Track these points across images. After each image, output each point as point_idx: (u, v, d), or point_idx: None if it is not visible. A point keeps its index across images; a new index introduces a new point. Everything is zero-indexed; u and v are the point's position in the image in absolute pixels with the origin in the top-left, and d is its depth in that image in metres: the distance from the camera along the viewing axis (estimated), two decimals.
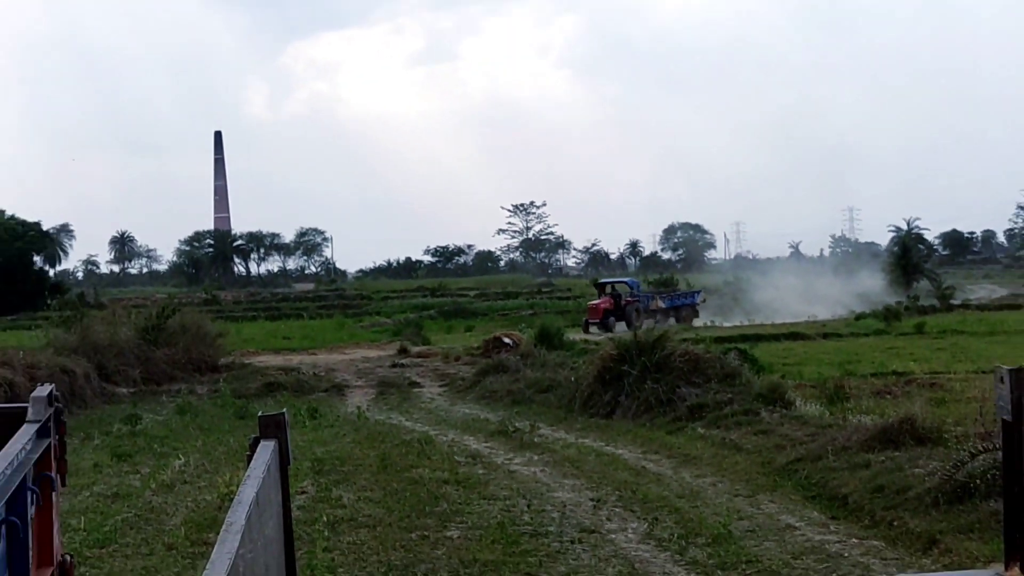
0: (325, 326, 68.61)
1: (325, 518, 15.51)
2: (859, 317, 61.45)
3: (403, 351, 45.96)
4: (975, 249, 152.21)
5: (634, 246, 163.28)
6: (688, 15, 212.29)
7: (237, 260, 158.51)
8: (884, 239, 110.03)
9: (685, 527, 14.84)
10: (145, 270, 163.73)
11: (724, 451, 20.60)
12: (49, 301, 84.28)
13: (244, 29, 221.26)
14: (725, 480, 18.21)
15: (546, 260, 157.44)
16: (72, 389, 29.65)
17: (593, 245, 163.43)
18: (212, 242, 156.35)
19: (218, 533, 12.90)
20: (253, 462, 5.65)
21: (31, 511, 5.13)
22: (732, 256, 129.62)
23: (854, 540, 14.13)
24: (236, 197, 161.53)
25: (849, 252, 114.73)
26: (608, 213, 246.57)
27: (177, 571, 13.17)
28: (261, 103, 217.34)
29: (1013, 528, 6.18)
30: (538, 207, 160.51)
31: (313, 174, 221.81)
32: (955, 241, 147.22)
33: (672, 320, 53.13)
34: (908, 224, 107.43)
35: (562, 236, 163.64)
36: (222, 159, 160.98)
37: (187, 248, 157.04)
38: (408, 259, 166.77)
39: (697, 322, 53.24)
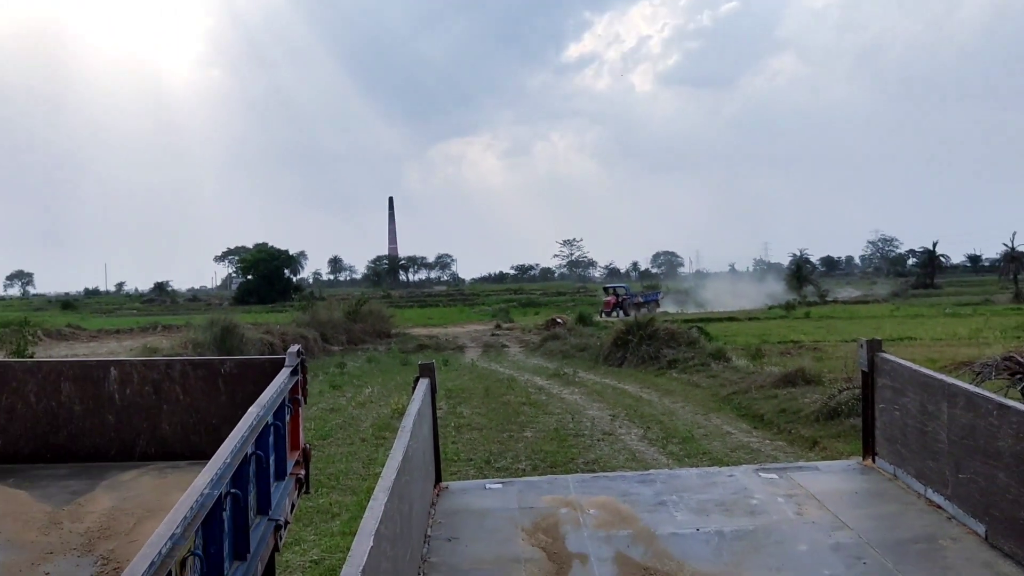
0: (452, 312, 69.34)
1: (453, 424, 16.43)
2: (770, 308, 61.41)
3: (498, 326, 46.89)
4: (841, 267, 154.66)
5: (635, 264, 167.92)
6: (668, 129, 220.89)
7: (401, 272, 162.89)
8: (786, 260, 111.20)
9: (666, 432, 15.61)
10: (348, 278, 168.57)
11: (689, 387, 21.28)
12: (292, 296, 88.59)
13: (408, 135, 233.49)
14: (689, 405, 18.81)
15: (582, 273, 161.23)
16: (306, 347, 30.79)
17: (610, 264, 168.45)
18: (387, 261, 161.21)
19: (392, 433, 14.67)
20: (415, 391, 5.44)
21: (287, 418, 5.21)
22: (694, 271, 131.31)
23: (767, 441, 14.81)
24: (401, 234, 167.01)
25: (764, 269, 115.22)
26: (619, 244, 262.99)
27: (367, 454, 14.28)
28: (416, 179, 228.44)
29: (867, 435, 5.90)
30: (578, 241, 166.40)
31: (445, 220, 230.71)
32: (829, 262, 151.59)
33: (645, 310, 54.84)
34: (800, 252, 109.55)
35: (592, 258, 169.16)
36: (392, 212, 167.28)
37: (372, 265, 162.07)
38: (501, 271, 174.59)
39: (660, 310, 54.38)
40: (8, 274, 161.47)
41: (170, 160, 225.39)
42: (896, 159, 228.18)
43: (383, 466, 11.96)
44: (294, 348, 5.78)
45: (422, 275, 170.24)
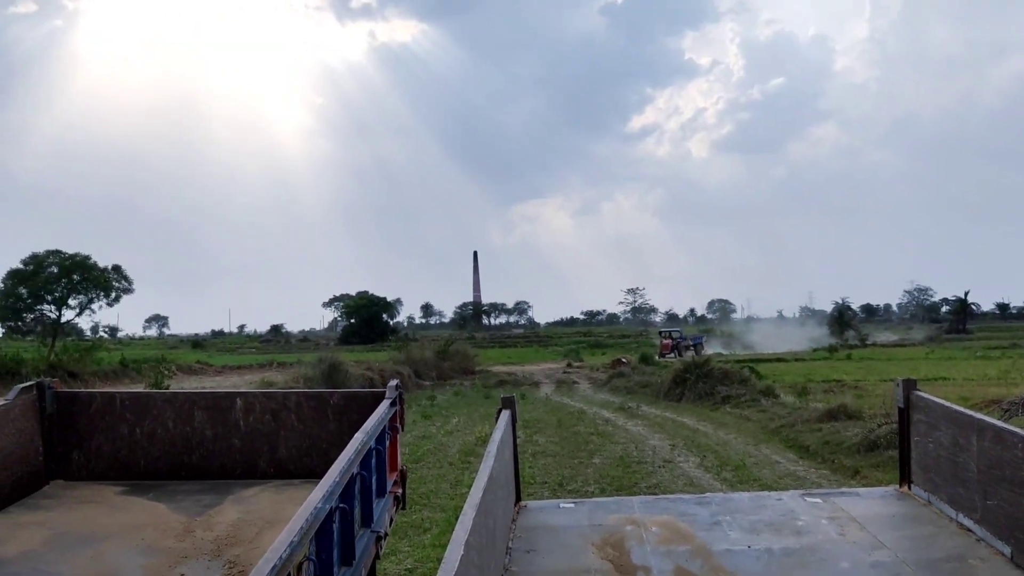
0: (528, 352, 69.23)
1: (530, 451, 16.36)
2: (815, 350, 59.55)
3: (569, 365, 46.78)
4: (879, 314, 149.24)
5: (692, 311, 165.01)
6: (722, 189, 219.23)
7: (484, 316, 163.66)
8: (829, 307, 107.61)
9: (720, 461, 15.39)
10: (438, 321, 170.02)
11: (741, 421, 20.94)
12: (390, 337, 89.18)
13: (491, 196, 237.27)
14: (741, 436, 18.50)
15: (644, 318, 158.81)
16: (401, 382, 31.22)
17: (669, 310, 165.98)
18: (472, 307, 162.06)
19: (476, 458, 14.78)
20: (498, 421, 5.42)
21: (387, 443, 5.25)
22: (745, 317, 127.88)
23: (812, 470, 14.54)
24: (484, 283, 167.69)
25: (809, 315, 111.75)
26: (678, 292, 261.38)
27: (455, 476, 14.35)
28: (497, 234, 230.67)
29: (903, 464, 5.78)
30: (640, 289, 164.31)
31: (523, 270, 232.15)
32: (868, 309, 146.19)
33: (692, 352, 54.18)
34: (842, 300, 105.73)
35: (653, 305, 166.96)
36: (477, 263, 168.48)
37: (459, 310, 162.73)
38: (572, 316, 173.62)
39: (706, 352, 53.53)
40: (147, 317, 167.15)
41: (285, 218, 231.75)
42: (930, 215, 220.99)
43: (469, 487, 11.97)
44: (393, 382, 5.86)
45: (502, 319, 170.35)
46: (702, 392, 25.29)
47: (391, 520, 5.33)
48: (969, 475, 4.86)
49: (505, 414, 5.59)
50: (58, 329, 52.53)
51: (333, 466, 3.80)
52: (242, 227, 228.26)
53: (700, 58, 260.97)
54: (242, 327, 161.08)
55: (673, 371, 28.03)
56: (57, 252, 51.87)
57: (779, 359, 48.32)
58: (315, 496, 3.36)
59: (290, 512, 4.62)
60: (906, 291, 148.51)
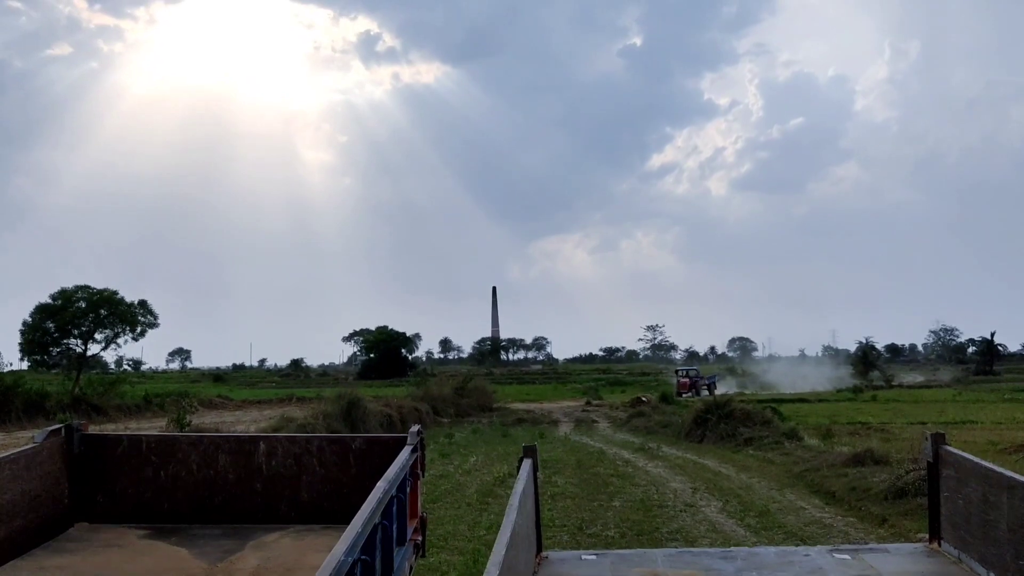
0: (547, 388, 68.45)
1: (549, 492, 15.81)
2: (839, 391, 58.19)
3: (588, 403, 46.16)
4: (905, 354, 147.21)
5: (712, 348, 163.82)
6: (742, 228, 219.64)
7: (502, 352, 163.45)
8: (852, 346, 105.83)
9: (743, 505, 14.94)
10: (456, 356, 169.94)
11: (764, 464, 20.38)
12: (408, 372, 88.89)
13: (510, 233, 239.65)
14: (764, 480, 17.99)
15: (664, 355, 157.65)
16: (419, 419, 29.60)
17: (690, 347, 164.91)
18: (490, 343, 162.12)
19: (495, 499, 14.65)
20: (520, 471, 5.41)
21: (408, 490, 5.21)
22: (767, 355, 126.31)
23: (839, 517, 13.98)
24: (502, 318, 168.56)
25: (832, 354, 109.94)
26: (698, 329, 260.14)
27: (472, 517, 13.91)
28: (516, 270, 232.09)
29: (933, 520, 5.70)
30: (660, 326, 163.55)
31: (542, 306, 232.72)
32: (893, 349, 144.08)
33: (706, 391, 53.66)
34: (866, 339, 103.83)
35: (673, 342, 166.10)
36: (495, 299, 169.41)
37: (477, 345, 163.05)
38: (591, 353, 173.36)
39: (719, 391, 53.04)
40: (171, 350, 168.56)
41: (307, 253, 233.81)
42: (955, 254, 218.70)
43: (487, 528, 11.82)
44: (415, 428, 5.83)
45: (520, 355, 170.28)
46: (724, 433, 24.90)
47: (410, 568, 5.28)
48: (1000, 533, 4.76)
49: (527, 463, 5.55)
50: (83, 363, 53.11)
51: (356, 518, 3.78)
52: (265, 262, 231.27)
53: (719, 98, 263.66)
54: (263, 361, 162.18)
55: (694, 411, 27.62)
56: (86, 287, 52.71)
57: (802, 399, 47.37)
58: (338, 549, 3.33)
59: (310, 559, 4.69)
60: (932, 331, 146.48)
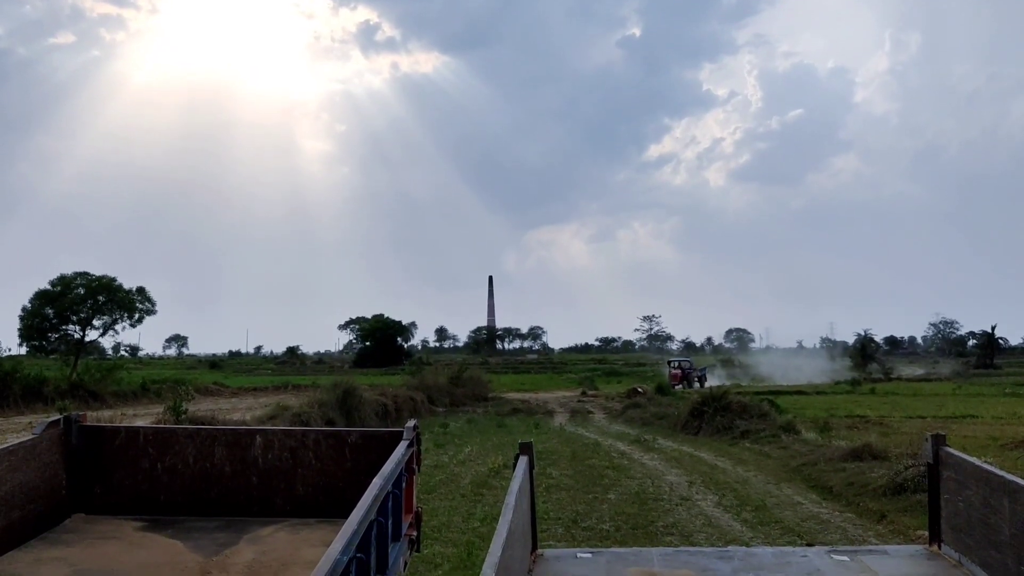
0: (542, 378, 68.78)
1: (543, 484, 15.80)
2: (837, 383, 58.11)
3: (584, 393, 46.22)
4: (904, 347, 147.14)
5: (709, 339, 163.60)
6: (740, 219, 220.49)
7: (498, 341, 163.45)
8: (851, 338, 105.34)
9: (739, 500, 14.96)
10: (452, 345, 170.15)
11: (760, 457, 20.32)
12: (404, 361, 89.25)
13: (507, 223, 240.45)
14: (761, 474, 18.01)
15: (660, 346, 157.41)
16: (414, 408, 30.47)
17: (686, 338, 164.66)
18: (486, 332, 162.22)
19: (489, 490, 14.67)
20: (516, 468, 5.39)
21: (403, 485, 5.21)
22: (764, 347, 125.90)
23: (836, 513, 13.98)
24: (498, 307, 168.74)
25: (830, 346, 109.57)
26: (694, 320, 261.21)
27: (467, 508, 13.94)
28: (512, 260, 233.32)
29: (933, 523, 5.64)
30: (656, 317, 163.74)
31: (537, 296, 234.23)
32: (892, 341, 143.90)
33: (698, 383, 53.59)
34: (864, 332, 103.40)
35: (669, 332, 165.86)
36: (492, 288, 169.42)
37: (473, 334, 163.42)
38: (586, 342, 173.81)
39: (709, 382, 52.92)
40: (167, 337, 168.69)
41: (304, 241, 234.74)
42: (955, 247, 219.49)
43: (481, 520, 11.81)
44: (411, 423, 5.79)
45: (516, 344, 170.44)
46: (720, 426, 24.81)
47: (405, 564, 5.28)
48: (1002, 538, 4.73)
49: (523, 461, 5.52)
50: (81, 349, 53.17)
51: (352, 515, 3.78)
52: (262, 249, 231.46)
53: (718, 89, 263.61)
54: (259, 348, 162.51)
55: (690, 403, 27.56)
56: (85, 274, 52.80)
57: (799, 391, 47.25)
58: (334, 548, 3.34)
59: (305, 554, 4.71)
60: (931, 324, 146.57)
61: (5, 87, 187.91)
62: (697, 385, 51.66)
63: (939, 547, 5.59)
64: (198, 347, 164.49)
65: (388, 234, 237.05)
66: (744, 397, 27.60)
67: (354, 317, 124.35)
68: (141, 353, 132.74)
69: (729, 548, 6.36)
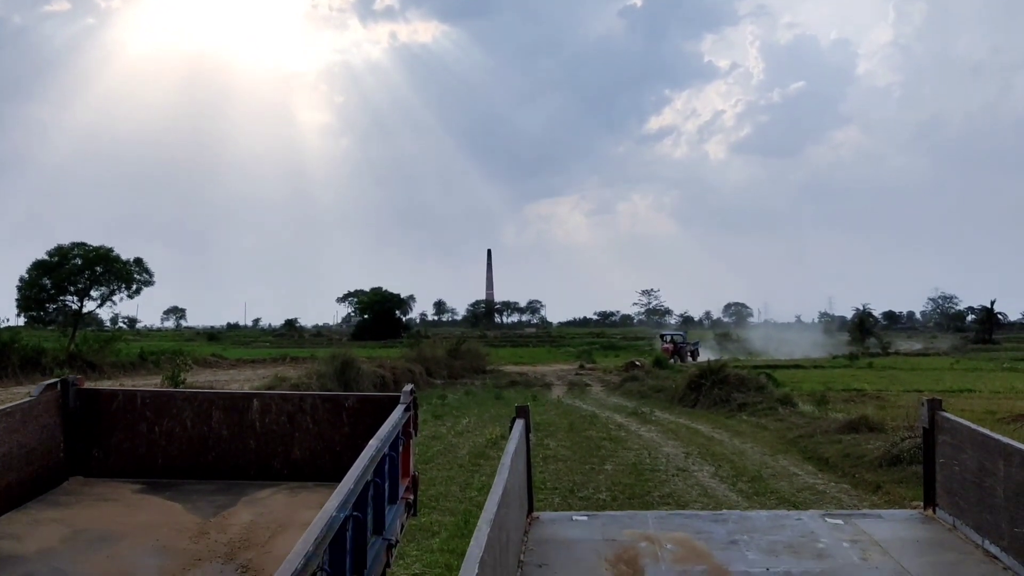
0: (540, 352, 68.75)
1: (540, 455, 16.08)
2: (835, 357, 58.35)
3: (581, 366, 46.13)
4: (902, 321, 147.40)
5: (708, 314, 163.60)
6: (740, 192, 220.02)
7: (496, 315, 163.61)
8: (849, 313, 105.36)
9: (736, 471, 15.15)
10: (450, 319, 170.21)
11: (757, 430, 20.52)
12: (402, 334, 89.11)
13: (506, 195, 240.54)
14: (758, 446, 18.17)
15: (658, 320, 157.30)
16: (412, 380, 29.21)
17: (685, 312, 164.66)
18: (484, 305, 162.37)
19: (487, 460, 14.88)
20: (513, 431, 5.41)
21: (400, 449, 5.23)
22: (762, 321, 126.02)
23: (832, 484, 14.23)
24: (497, 281, 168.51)
25: (829, 321, 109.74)
26: (693, 294, 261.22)
27: (464, 478, 14.17)
28: (511, 233, 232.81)
29: (928, 487, 5.68)
30: (655, 291, 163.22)
31: (536, 269, 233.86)
32: (890, 316, 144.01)
33: (690, 357, 53.55)
34: (863, 306, 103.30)
35: (668, 307, 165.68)
36: (490, 262, 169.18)
37: (471, 308, 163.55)
38: (585, 316, 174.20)
39: (701, 356, 52.83)
40: (166, 309, 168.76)
41: (302, 213, 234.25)
42: (955, 221, 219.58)
43: (479, 490, 11.93)
44: (408, 388, 5.83)
45: (514, 318, 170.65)
46: (717, 398, 24.95)
47: (402, 527, 5.33)
48: (996, 501, 4.77)
49: (519, 423, 5.56)
50: (79, 320, 53.21)
51: (348, 474, 3.81)
52: (260, 222, 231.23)
53: (719, 60, 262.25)
54: (257, 321, 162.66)
55: (688, 376, 27.67)
56: (82, 244, 52.71)
57: (797, 365, 47.46)
58: (331, 505, 3.36)
59: (302, 516, 4.72)
60: (930, 299, 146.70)
61: (1, 55, 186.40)
62: (689, 359, 51.60)
63: (934, 511, 5.61)
64: (196, 319, 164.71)
65: (387, 207, 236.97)
66: (742, 371, 27.71)
67: (352, 290, 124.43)
68: (139, 325, 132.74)
69: (724, 512, 6.44)
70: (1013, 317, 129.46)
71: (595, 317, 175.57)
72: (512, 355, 59.42)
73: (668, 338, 63.27)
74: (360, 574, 3.85)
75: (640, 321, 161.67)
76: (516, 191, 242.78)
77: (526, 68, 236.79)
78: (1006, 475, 4.66)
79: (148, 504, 5.22)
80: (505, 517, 3.95)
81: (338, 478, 3.76)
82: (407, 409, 5.51)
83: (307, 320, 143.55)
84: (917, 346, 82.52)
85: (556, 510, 11.12)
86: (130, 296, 53.77)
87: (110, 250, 52.54)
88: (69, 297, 52.79)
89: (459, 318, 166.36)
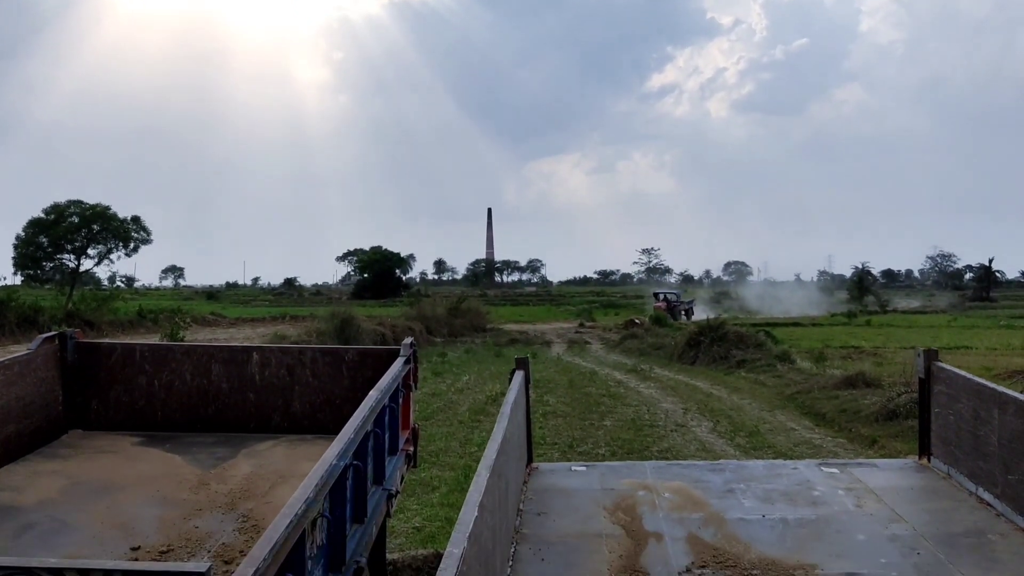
0: (540, 310, 68.71)
1: (540, 411, 16.03)
2: (833, 315, 58.23)
3: (581, 325, 46.46)
4: (901, 280, 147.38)
5: (708, 272, 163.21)
6: (741, 151, 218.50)
7: (496, 274, 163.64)
8: (848, 272, 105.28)
9: (733, 426, 15.23)
10: (450, 278, 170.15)
11: (755, 386, 20.61)
12: (402, 293, 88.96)
13: (506, 154, 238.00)
14: (756, 402, 18.27)
15: (658, 279, 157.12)
16: (413, 339, 31.40)
17: (684, 271, 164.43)
18: (484, 264, 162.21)
19: (486, 417, 14.86)
20: (512, 382, 5.42)
21: (400, 401, 5.31)
22: (762, 279, 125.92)
23: (829, 438, 14.32)
24: (497, 240, 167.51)
25: (828, 279, 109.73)
26: (693, 253, 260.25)
27: (464, 434, 14.20)
28: (512, 191, 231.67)
29: (923, 436, 5.72)
30: (655, 250, 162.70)
31: (537, 228, 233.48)
32: (889, 274, 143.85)
33: (684, 316, 53.59)
34: (862, 264, 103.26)
35: (668, 266, 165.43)
36: (491, 220, 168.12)
37: (471, 267, 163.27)
38: (585, 275, 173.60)
39: (696, 315, 52.64)
40: (164, 267, 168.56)
41: (301, 172, 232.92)
42: (955, 180, 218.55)
43: (478, 446, 11.91)
44: (408, 340, 5.86)
45: (515, 277, 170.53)
46: (716, 355, 25.03)
47: (402, 478, 5.38)
48: (990, 449, 4.80)
49: (519, 375, 5.57)
50: (76, 278, 53.15)
51: (348, 423, 3.82)
52: (258, 180, 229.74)
53: (722, 17, 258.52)
54: (256, 279, 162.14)
55: (687, 334, 27.79)
56: (79, 202, 52.45)
57: (795, 323, 47.56)
58: (330, 453, 3.38)
59: (302, 467, 4.64)
60: (929, 257, 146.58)
61: None
62: (683, 318, 51.56)
63: (928, 460, 5.68)
64: (195, 278, 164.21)
65: (387, 165, 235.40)
66: (741, 328, 27.77)
67: (352, 249, 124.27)
68: (137, 284, 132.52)
69: (720, 462, 6.48)
70: (1011, 275, 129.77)
71: (595, 276, 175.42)
72: (512, 313, 59.50)
73: (661, 296, 62.68)
74: (361, 522, 3.90)
75: (640, 280, 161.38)
76: (517, 149, 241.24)
77: (528, 24, 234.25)
78: (1000, 423, 4.69)
79: (148, 456, 5.25)
80: (504, 465, 3.97)
81: (338, 431, 3.79)
82: (407, 362, 5.54)
83: (306, 279, 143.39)
84: (915, 304, 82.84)
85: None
86: (127, 254, 53.78)
87: (107, 208, 52.37)
88: (66, 255, 52.75)
89: (459, 277, 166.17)
